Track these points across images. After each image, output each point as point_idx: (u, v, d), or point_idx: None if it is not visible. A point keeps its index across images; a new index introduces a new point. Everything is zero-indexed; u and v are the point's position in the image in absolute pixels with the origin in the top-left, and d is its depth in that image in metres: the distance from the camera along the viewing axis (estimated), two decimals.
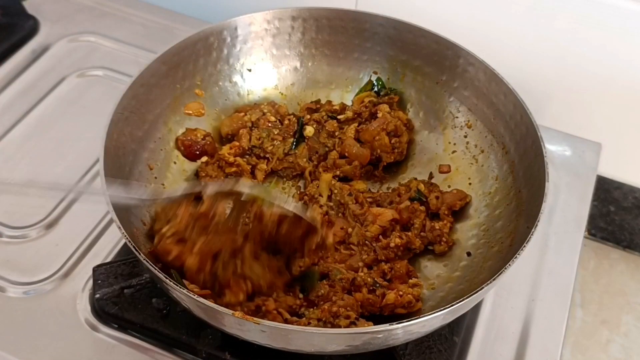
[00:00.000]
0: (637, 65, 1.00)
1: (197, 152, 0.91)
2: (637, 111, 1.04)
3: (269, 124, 0.93)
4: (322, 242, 0.75)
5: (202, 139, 0.91)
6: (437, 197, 0.87)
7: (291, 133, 0.94)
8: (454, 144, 0.93)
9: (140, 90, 0.85)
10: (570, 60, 1.03)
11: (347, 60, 0.98)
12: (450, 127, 0.94)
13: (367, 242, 0.83)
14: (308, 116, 0.95)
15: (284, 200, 0.74)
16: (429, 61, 0.94)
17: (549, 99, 1.08)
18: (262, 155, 0.92)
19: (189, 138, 0.91)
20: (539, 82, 1.07)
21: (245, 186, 0.74)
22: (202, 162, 0.91)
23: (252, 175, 0.91)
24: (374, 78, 0.98)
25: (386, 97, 0.96)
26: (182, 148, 0.91)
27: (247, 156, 0.92)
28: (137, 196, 0.73)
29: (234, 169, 0.89)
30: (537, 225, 0.72)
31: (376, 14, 0.94)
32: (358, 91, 0.98)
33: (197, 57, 0.92)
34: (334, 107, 0.96)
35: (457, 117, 0.93)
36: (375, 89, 0.98)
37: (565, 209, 0.97)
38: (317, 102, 0.98)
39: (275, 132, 0.93)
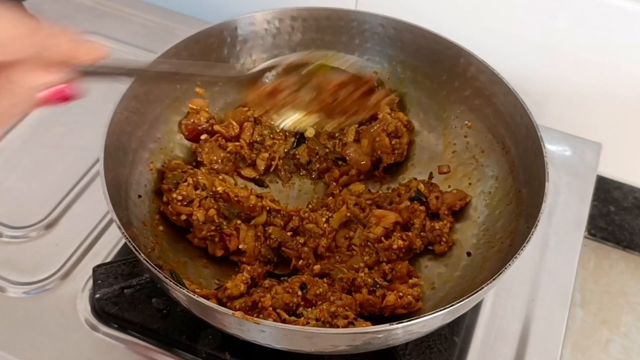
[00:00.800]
0: (637, 66, 1.00)
1: (200, 135, 0.92)
2: (637, 111, 1.04)
3: (272, 122, 0.93)
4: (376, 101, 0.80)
5: (206, 122, 0.92)
6: (437, 197, 0.87)
7: (292, 133, 0.94)
8: (454, 144, 0.93)
9: (140, 90, 0.85)
10: (570, 60, 1.03)
11: None
12: (450, 127, 0.94)
13: (369, 243, 0.83)
14: None
15: (341, 58, 0.77)
16: (429, 61, 0.94)
17: (549, 99, 1.08)
18: (263, 151, 0.93)
19: (192, 121, 0.91)
20: (539, 82, 1.07)
21: (304, 55, 0.77)
22: (201, 140, 0.91)
23: (254, 166, 0.92)
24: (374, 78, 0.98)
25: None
26: (186, 132, 0.91)
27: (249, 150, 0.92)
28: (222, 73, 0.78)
29: (231, 148, 0.90)
30: (537, 225, 0.72)
31: (376, 14, 0.94)
32: None
33: (197, 57, 0.92)
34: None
35: (457, 117, 0.93)
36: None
37: (565, 209, 0.97)
38: None
39: (277, 130, 0.93)
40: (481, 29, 1.05)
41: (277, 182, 0.93)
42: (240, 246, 0.81)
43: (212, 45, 0.92)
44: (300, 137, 0.94)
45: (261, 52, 0.96)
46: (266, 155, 0.92)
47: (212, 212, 0.81)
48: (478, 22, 1.05)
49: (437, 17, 1.03)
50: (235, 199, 0.83)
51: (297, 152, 0.93)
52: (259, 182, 0.92)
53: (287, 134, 0.94)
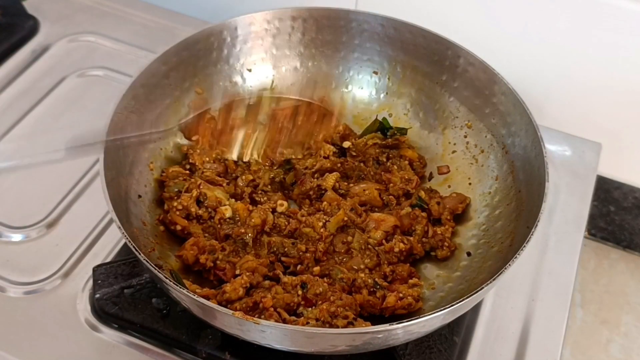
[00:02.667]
0: (637, 65, 1.00)
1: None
2: (637, 111, 1.04)
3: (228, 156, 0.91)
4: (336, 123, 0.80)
5: (206, 122, 0.91)
6: (438, 203, 0.87)
7: (279, 162, 0.91)
8: (454, 144, 0.93)
9: (140, 91, 0.85)
10: (570, 60, 1.03)
11: (347, 60, 0.98)
12: (450, 127, 0.94)
13: (369, 247, 0.83)
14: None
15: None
16: (429, 61, 0.94)
17: (549, 99, 1.08)
18: (245, 170, 0.90)
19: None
20: (539, 81, 1.07)
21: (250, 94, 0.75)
22: (193, 140, 0.90)
23: (235, 180, 0.89)
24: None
25: (392, 139, 0.93)
26: (186, 132, 0.91)
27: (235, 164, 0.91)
28: (153, 130, 0.77)
29: (217, 150, 0.89)
30: (537, 225, 0.72)
31: (376, 14, 0.94)
32: (363, 131, 0.95)
33: (197, 57, 0.92)
34: (338, 130, 0.93)
35: (457, 117, 0.93)
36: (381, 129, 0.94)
37: (565, 209, 0.97)
38: None
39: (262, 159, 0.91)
40: (481, 29, 1.05)
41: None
42: (237, 272, 0.79)
43: (212, 45, 0.93)
44: (288, 167, 0.90)
45: (261, 52, 0.97)
46: (249, 176, 0.88)
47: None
48: (478, 22, 1.05)
49: (437, 17, 1.04)
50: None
51: (284, 178, 0.90)
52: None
53: (273, 161, 0.91)
